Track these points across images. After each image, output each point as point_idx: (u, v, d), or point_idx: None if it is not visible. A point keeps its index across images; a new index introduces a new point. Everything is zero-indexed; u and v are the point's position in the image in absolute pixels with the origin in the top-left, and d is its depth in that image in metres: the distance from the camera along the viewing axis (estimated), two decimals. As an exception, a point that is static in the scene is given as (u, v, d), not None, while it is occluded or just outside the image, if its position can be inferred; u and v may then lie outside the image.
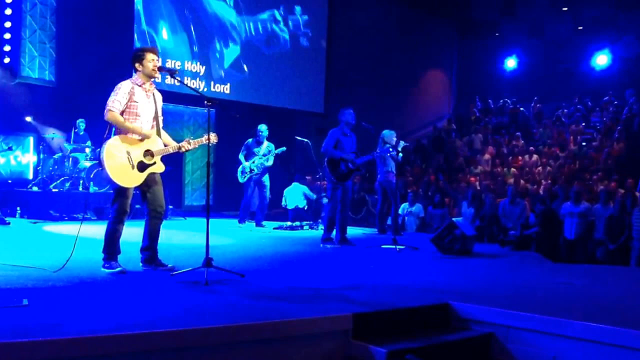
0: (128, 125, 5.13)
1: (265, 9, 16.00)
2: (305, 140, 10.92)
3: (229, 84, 15.16)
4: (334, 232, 8.20)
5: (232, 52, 15.34)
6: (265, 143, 10.52)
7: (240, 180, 10.51)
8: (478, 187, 13.35)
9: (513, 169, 15.39)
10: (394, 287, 5.13)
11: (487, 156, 16.64)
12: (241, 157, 10.50)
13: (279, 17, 16.22)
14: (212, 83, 14.75)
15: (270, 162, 10.47)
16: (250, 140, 10.57)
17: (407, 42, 18.87)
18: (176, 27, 14.14)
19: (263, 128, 10.58)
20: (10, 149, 10.19)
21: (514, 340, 4.06)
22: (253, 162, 10.39)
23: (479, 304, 4.33)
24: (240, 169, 10.48)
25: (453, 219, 7.78)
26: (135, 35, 13.40)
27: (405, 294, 4.79)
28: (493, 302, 4.39)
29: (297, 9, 16.59)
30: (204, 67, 14.79)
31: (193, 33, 14.42)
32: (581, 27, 20.67)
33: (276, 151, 10.50)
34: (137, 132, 5.16)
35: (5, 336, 3.00)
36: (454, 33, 22.05)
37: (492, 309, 4.21)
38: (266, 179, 10.56)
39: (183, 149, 5.43)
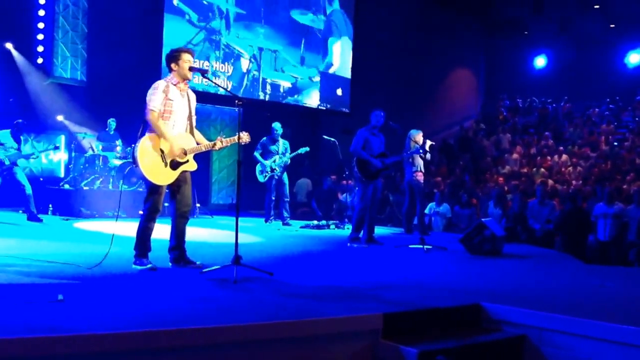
0: (163, 129, 5.17)
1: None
2: (332, 139, 10.91)
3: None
4: (362, 231, 8.19)
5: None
6: (281, 141, 10.57)
7: (261, 179, 10.46)
8: (506, 188, 13.22)
9: (542, 169, 15.22)
10: (424, 287, 5.10)
11: (515, 156, 16.48)
12: (258, 156, 10.42)
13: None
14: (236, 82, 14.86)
15: (288, 161, 10.52)
16: (264, 138, 10.57)
17: (435, 40, 18.75)
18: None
19: (277, 126, 10.60)
20: (56, 147, 10.36)
21: (547, 343, 4.01)
22: (274, 162, 10.42)
23: (510, 305, 4.28)
24: (259, 168, 10.42)
25: (482, 219, 7.70)
26: (164, 36, 13.55)
27: (435, 294, 4.76)
28: (525, 304, 4.34)
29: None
30: (232, 67, 14.87)
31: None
32: (613, 25, 20.33)
33: (299, 151, 10.53)
34: (166, 138, 5.19)
35: (41, 330, 3.05)
36: (481, 31, 21.85)
37: (525, 310, 4.16)
38: (285, 178, 10.61)
39: (216, 147, 5.47)
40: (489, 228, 7.32)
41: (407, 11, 17.47)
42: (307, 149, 10.71)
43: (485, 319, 4.29)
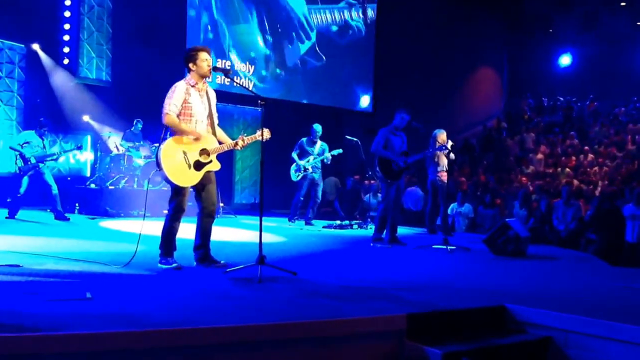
0: (184, 127, 5.21)
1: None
2: (355, 139, 10.90)
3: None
4: (385, 231, 8.18)
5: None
6: (319, 142, 10.59)
7: (294, 178, 10.54)
8: (530, 188, 13.10)
9: (567, 169, 15.04)
10: (448, 287, 5.08)
11: (539, 156, 16.31)
12: (294, 155, 10.54)
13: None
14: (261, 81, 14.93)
15: (326, 160, 10.54)
16: (304, 139, 10.62)
17: (458, 39, 18.62)
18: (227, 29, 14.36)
19: (318, 128, 10.62)
20: (79, 147, 10.49)
21: (573, 345, 3.97)
22: (308, 161, 10.45)
23: (535, 307, 4.25)
24: (294, 167, 10.53)
25: (506, 219, 7.65)
26: (188, 36, 13.67)
27: (459, 295, 4.74)
28: (550, 305, 4.30)
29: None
30: (253, 67, 14.95)
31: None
32: (640, 23, 20.04)
33: (332, 152, 10.55)
34: (193, 134, 5.24)
35: (70, 328, 3.10)
36: (505, 29, 21.64)
37: (550, 312, 4.12)
38: (320, 179, 10.63)
39: (238, 146, 5.50)
40: (513, 229, 7.27)
41: (430, 10, 17.39)
42: (340, 150, 10.76)
43: (510, 321, 4.26)
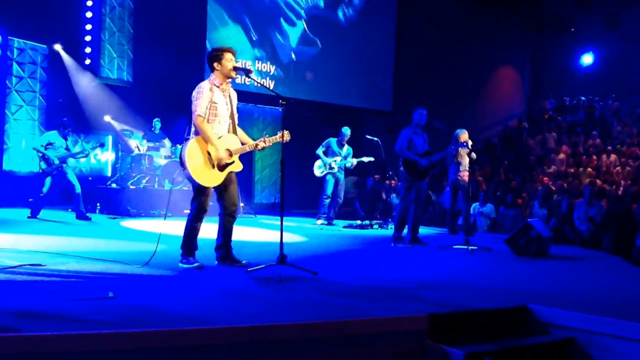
0: (209, 134, 5.20)
1: None
2: (375, 138, 10.87)
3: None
4: (405, 231, 8.15)
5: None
6: (346, 146, 10.62)
7: (317, 174, 10.51)
8: (552, 188, 12.97)
9: (589, 169, 14.87)
10: (470, 288, 5.05)
11: (561, 155, 16.14)
12: (320, 152, 10.51)
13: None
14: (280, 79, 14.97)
15: (349, 165, 10.54)
16: (333, 139, 10.62)
17: (478, 38, 18.49)
18: (249, 31, 14.42)
19: (347, 131, 10.63)
20: (102, 145, 10.57)
21: (596, 347, 3.92)
22: (335, 161, 10.45)
23: (558, 308, 4.20)
24: (319, 164, 10.49)
25: (528, 219, 7.58)
26: (207, 36, 13.74)
27: (481, 295, 4.71)
28: (573, 306, 4.25)
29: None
30: (274, 67, 14.99)
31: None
32: (664, 21, 19.72)
33: (362, 159, 10.56)
34: (214, 144, 5.21)
35: (93, 327, 3.13)
36: (526, 28, 21.44)
37: (573, 313, 4.07)
38: (344, 180, 10.63)
39: (259, 147, 5.51)
40: (535, 229, 7.20)
41: (450, 9, 17.30)
42: (372, 158, 10.80)
43: (533, 321, 4.22)
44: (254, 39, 14.64)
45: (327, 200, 10.59)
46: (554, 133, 17.86)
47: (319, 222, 10.56)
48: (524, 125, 19.50)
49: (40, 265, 4.97)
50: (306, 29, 15.64)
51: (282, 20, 15.22)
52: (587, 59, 20.65)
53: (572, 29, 21.10)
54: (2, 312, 3.19)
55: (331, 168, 10.45)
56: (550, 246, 7.48)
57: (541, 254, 7.16)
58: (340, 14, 16.30)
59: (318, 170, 10.53)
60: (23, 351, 2.81)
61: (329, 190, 10.54)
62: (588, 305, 4.39)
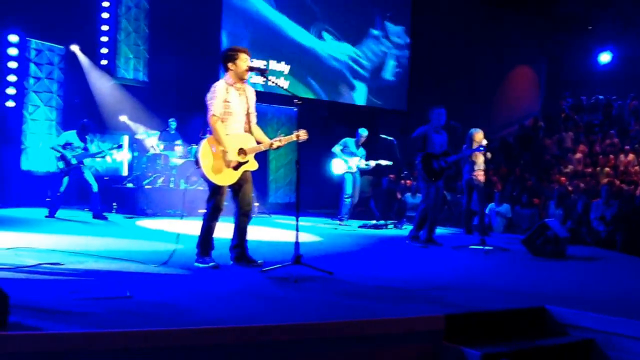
0: (221, 135, 5.19)
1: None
2: (390, 138, 10.85)
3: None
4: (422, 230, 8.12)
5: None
6: (361, 147, 10.62)
7: (337, 172, 10.45)
8: (569, 187, 12.87)
9: (607, 169, 14.72)
10: (486, 288, 5.02)
11: (578, 155, 16.00)
12: (338, 151, 10.47)
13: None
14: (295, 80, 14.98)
15: (366, 168, 10.52)
16: (350, 139, 10.60)
17: (493, 37, 18.37)
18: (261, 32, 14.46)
19: (364, 132, 10.63)
20: (120, 146, 10.65)
21: (616, 348, 3.88)
22: (354, 161, 10.42)
23: (576, 309, 4.16)
24: (338, 161, 10.43)
25: (545, 220, 7.53)
26: (223, 37, 13.78)
27: (497, 296, 4.69)
28: (592, 307, 4.22)
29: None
30: (289, 67, 15.00)
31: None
32: (683, 18, 19.48)
33: (381, 162, 10.52)
34: (224, 147, 5.20)
35: (110, 325, 3.15)
36: (543, 27, 21.27)
37: (592, 314, 4.04)
38: (359, 182, 10.60)
39: (275, 146, 5.51)
40: (552, 229, 7.15)
41: (465, 7, 17.21)
42: (390, 162, 10.79)
43: (551, 322, 4.18)
44: (268, 39, 14.66)
45: (349, 200, 10.54)
46: (571, 132, 17.71)
47: (342, 223, 10.48)
48: (540, 125, 19.35)
49: (58, 264, 5.01)
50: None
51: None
52: (605, 57, 20.44)
53: (590, 27, 20.91)
54: (23, 311, 3.21)
55: (350, 167, 10.40)
56: (567, 246, 7.42)
57: (558, 255, 7.11)
58: (355, 15, 16.29)
59: (338, 168, 10.44)
60: (44, 350, 2.83)
61: (350, 189, 10.49)
62: (607, 306, 4.36)
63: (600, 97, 19.91)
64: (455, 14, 16.90)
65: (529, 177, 14.43)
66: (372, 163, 10.60)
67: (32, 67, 13.02)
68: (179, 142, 12.11)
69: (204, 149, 5.19)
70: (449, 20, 16.77)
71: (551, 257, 7.03)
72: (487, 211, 11.45)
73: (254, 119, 5.53)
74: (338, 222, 10.55)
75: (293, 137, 5.45)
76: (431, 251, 7.59)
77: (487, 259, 7.03)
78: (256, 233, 7.04)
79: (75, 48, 13.35)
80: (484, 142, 9.05)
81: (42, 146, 12.95)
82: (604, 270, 6.81)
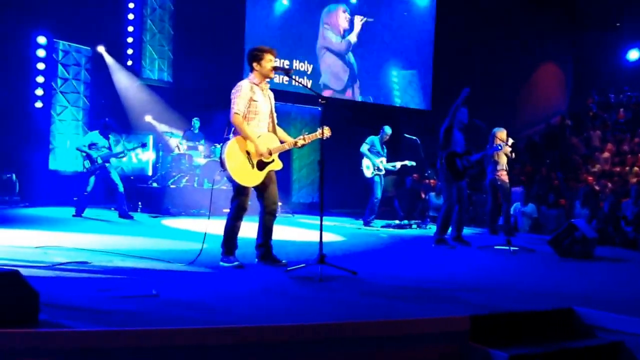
0: (247, 131, 5.23)
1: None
2: (414, 137, 10.80)
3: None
4: (448, 231, 8.07)
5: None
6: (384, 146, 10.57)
7: (367, 174, 10.31)
8: (597, 187, 12.68)
9: (635, 168, 14.48)
10: (512, 289, 4.97)
11: (605, 154, 15.77)
12: (366, 150, 10.35)
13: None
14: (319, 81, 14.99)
15: (393, 168, 10.48)
16: (376, 138, 10.50)
17: (519, 34, 18.17)
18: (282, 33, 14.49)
19: (389, 130, 10.54)
20: (143, 145, 10.73)
21: (646, 351, 3.82)
22: (382, 162, 10.36)
23: (605, 310, 4.10)
24: (367, 164, 10.33)
25: (573, 220, 7.43)
26: (246, 37, 13.84)
27: (524, 297, 4.63)
28: (621, 308, 4.15)
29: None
30: (311, 66, 15.01)
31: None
32: None
33: (406, 163, 10.46)
34: (253, 140, 5.24)
35: (137, 324, 3.18)
36: (570, 24, 20.99)
37: (622, 316, 3.97)
38: (383, 182, 10.56)
39: (299, 145, 5.52)
40: (580, 229, 7.05)
41: (490, 4, 17.05)
42: (414, 163, 10.70)
43: (578, 324, 4.12)
44: (292, 38, 14.69)
45: (377, 203, 10.47)
46: (599, 131, 17.46)
47: (368, 226, 10.41)
48: (567, 123, 19.10)
49: (86, 262, 5.08)
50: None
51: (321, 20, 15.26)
52: (634, 54, 20.11)
53: (618, 24, 20.59)
54: (53, 308, 3.26)
55: (379, 169, 10.33)
56: (595, 247, 7.31)
57: (586, 255, 7.01)
58: (379, 13, 16.24)
59: (367, 170, 10.31)
60: (73, 347, 2.86)
61: (379, 192, 10.39)
62: (636, 307, 4.28)
63: (629, 94, 19.58)
64: (480, 11, 16.74)
65: (556, 177, 14.26)
66: (398, 164, 10.53)
67: (60, 68, 13.22)
68: (202, 141, 12.19)
69: (229, 149, 5.20)
70: (473, 17, 16.63)
71: (579, 258, 6.94)
72: (512, 211, 11.34)
73: (275, 119, 5.55)
74: (363, 225, 10.46)
75: (317, 134, 5.44)
76: (456, 251, 7.54)
77: (513, 259, 6.96)
78: (280, 233, 7.05)
79: (101, 49, 13.51)
80: (510, 141, 8.97)
81: (69, 146, 13.13)
82: (632, 272, 6.70)
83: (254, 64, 5.40)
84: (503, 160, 9.42)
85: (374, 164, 10.26)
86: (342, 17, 15.59)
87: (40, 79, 12.59)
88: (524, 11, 18.11)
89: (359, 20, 15.77)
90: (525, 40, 18.35)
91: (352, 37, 15.75)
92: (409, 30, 16.69)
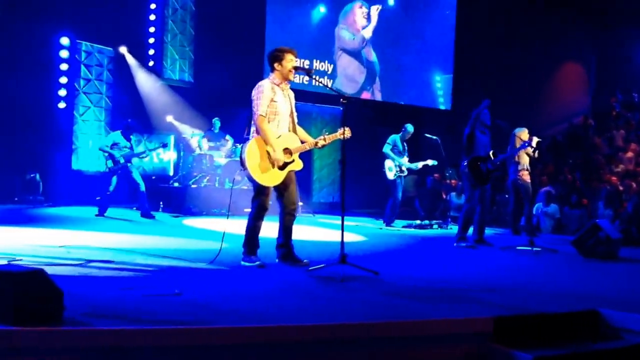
0: (269, 135, 5.21)
1: None
2: (435, 137, 10.74)
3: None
4: (470, 231, 8.01)
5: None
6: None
7: (390, 176, 10.20)
8: (620, 187, 12.51)
9: (660, 168, 14.28)
10: (536, 290, 4.92)
11: (629, 154, 15.55)
12: (389, 152, 10.22)
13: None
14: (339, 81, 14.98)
15: (415, 168, 10.45)
16: (397, 136, 10.40)
17: (540, 33, 17.99)
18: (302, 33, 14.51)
19: (411, 129, 10.41)
20: (164, 145, 10.80)
21: (673, 353, 3.76)
22: (403, 164, 10.27)
23: (631, 312, 4.04)
24: (390, 165, 10.21)
25: (597, 220, 7.34)
26: (267, 38, 13.87)
27: (547, 298, 4.58)
28: (647, 310, 4.10)
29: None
30: (332, 66, 15.01)
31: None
32: None
33: (428, 162, 10.41)
34: (272, 146, 5.20)
35: (160, 322, 3.20)
36: (592, 22, 20.75)
37: (648, 318, 3.92)
38: (404, 182, 10.49)
39: (319, 145, 5.51)
40: (604, 230, 6.97)
41: (511, 2, 16.91)
42: (436, 162, 10.59)
43: (604, 326, 4.07)
44: (312, 38, 14.70)
45: (397, 204, 10.40)
46: (622, 130, 17.23)
47: (389, 226, 10.36)
48: (590, 123, 18.88)
49: (110, 261, 5.13)
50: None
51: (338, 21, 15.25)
52: (658, 53, 19.83)
53: (642, 22, 20.29)
54: (77, 307, 3.29)
55: (402, 171, 10.24)
56: (620, 248, 7.22)
57: (610, 256, 6.92)
58: (399, 13, 16.19)
59: (390, 173, 10.17)
60: (98, 345, 2.89)
61: (400, 193, 10.27)
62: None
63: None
64: (501, 10, 16.61)
65: (578, 177, 14.10)
66: (420, 164, 10.44)
67: (83, 69, 13.36)
68: (224, 141, 12.23)
69: (250, 149, 5.21)
70: (494, 16, 16.50)
71: (603, 259, 6.85)
72: (534, 211, 11.24)
73: (295, 119, 5.56)
74: (384, 225, 10.42)
75: (337, 135, 5.44)
76: (478, 252, 7.48)
77: (535, 260, 6.90)
78: (300, 233, 7.06)
79: (123, 50, 13.63)
80: (535, 139, 8.83)
81: (91, 146, 13.27)
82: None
83: (275, 64, 5.40)
84: (524, 160, 9.34)
85: (399, 164, 10.16)
86: (358, 14, 15.53)
87: (63, 80, 12.74)
88: (546, 9, 17.93)
89: (375, 10, 15.66)
90: (547, 39, 18.16)
91: (367, 32, 15.64)
92: (430, 28, 16.60)
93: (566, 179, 13.90)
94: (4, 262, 4.47)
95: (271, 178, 5.27)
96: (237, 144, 11.53)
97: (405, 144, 10.40)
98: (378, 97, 15.83)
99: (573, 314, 4.10)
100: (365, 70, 15.66)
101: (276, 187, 5.41)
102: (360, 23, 15.56)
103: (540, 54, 18.14)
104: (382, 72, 15.85)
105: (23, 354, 2.80)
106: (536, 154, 8.74)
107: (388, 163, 10.21)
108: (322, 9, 14.83)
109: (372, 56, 15.79)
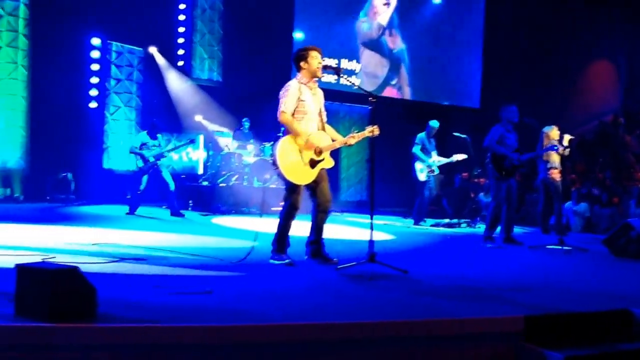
0: (296, 127, 5.27)
1: None
2: (464, 135, 10.67)
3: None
4: (497, 230, 7.96)
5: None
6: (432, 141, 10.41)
7: (421, 177, 10.14)
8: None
9: (694, 166, 14.00)
10: (566, 289, 4.88)
11: (661, 152, 15.29)
12: (419, 152, 10.17)
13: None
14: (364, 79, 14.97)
15: (445, 161, 10.39)
16: (423, 134, 10.35)
17: (570, 30, 17.76)
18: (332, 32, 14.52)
19: (436, 125, 10.34)
20: (192, 142, 10.88)
21: None
22: (433, 162, 10.22)
23: (664, 312, 4.00)
24: (421, 167, 10.16)
25: (628, 219, 7.24)
26: (295, 37, 13.92)
27: (578, 297, 4.55)
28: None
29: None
30: (360, 65, 15.01)
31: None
32: None
33: (455, 158, 10.33)
34: (303, 136, 5.28)
35: (193, 320, 3.25)
36: (623, 19, 20.40)
37: (681, 318, 3.87)
38: (433, 180, 10.44)
39: (349, 143, 5.53)
40: (636, 229, 6.86)
41: (540, 1, 16.72)
42: (465, 156, 10.43)
43: (636, 326, 4.03)
44: (340, 37, 14.71)
45: (426, 202, 10.34)
46: (654, 129, 16.93)
47: (419, 225, 10.33)
48: (620, 121, 18.58)
49: (142, 259, 5.21)
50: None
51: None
52: (691, 49, 19.42)
53: (675, 18, 19.90)
54: (110, 304, 3.35)
55: (432, 170, 10.19)
56: (653, 247, 7.11)
57: (642, 256, 6.82)
58: (426, 9, 16.13)
59: (421, 174, 10.11)
60: (130, 342, 2.95)
61: (428, 192, 10.25)
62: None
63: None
64: (530, 7, 16.43)
65: (609, 175, 13.89)
66: (454, 158, 10.34)
67: (113, 69, 13.55)
68: (251, 141, 12.32)
69: (281, 148, 5.25)
70: (523, 13, 16.33)
71: (635, 258, 6.75)
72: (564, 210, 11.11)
73: (324, 117, 5.58)
74: (413, 223, 10.39)
75: (366, 132, 5.45)
76: (507, 251, 7.44)
77: (566, 259, 6.83)
78: (329, 231, 7.08)
79: (153, 50, 13.80)
80: (567, 137, 8.70)
81: (122, 145, 13.45)
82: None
83: (301, 63, 5.43)
84: (554, 158, 9.22)
85: (429, 165, 10.11)
86: (379, 5, 15.44)
87: (94, 80, 12.94)
88: (577, 6, 17.68)
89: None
90: (576, 36, 17.91)
91: (383, 18, 15.51)
92: (458, 26, 16.49)
93: (596, 178, 13.71)
94: (39, 259, 4.56)
95: (303, 176, 5.30)
96: (266, 143, 11.59)
97: (433, 140, 10.35)
98: (406, 92, 15.77)
99: (604, 314, 4.06)
100: (387, 62, 15.57)
101: (308, 186, 5.44)
102: (381, 10, 15.46)
103: (569, 52, 17.91)
104: (410, 69, 15.79)
105: (58, 350, 2.86)
106: (566, 152, 8.62)
107: (418, 165, 10.16)
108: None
109: (397, 44, 15.66)
